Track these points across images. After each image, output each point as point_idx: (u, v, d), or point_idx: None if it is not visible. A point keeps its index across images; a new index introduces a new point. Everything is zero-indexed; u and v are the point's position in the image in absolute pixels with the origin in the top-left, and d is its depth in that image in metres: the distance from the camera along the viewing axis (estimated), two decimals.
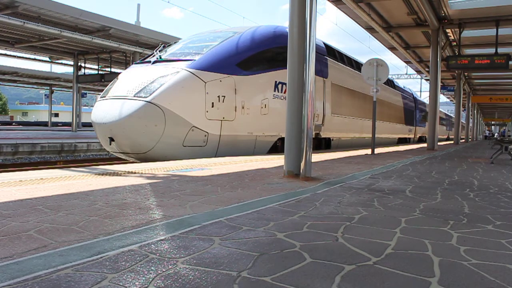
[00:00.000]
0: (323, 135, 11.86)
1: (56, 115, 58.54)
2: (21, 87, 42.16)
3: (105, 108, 7.59)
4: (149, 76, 7.62)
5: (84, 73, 23.87)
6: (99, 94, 12.76)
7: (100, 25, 16.57)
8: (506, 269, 1.75)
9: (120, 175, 4.49)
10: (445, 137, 38.46)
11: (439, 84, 13.96)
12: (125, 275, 1.53)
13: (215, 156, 8.07)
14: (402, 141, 22.41)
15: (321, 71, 11.47)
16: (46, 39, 18.25)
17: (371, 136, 10.36)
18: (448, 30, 14.28)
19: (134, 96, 7.32)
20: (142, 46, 19.27)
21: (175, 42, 10.17)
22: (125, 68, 13.31)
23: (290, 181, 4.33)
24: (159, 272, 1.58)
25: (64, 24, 16.15)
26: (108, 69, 22.24)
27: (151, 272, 1.57)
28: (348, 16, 13.04)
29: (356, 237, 2.17)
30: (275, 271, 1.62)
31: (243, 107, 8.41)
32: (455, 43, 15.58)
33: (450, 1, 11.54)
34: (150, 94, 7.22)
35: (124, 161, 8.46)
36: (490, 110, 49.38)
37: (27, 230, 2.12)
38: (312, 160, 4.75)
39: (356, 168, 6.09)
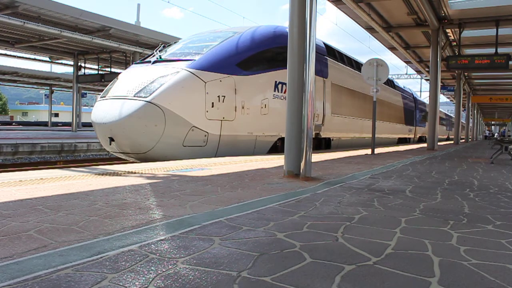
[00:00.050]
0: (323, 135, 11.86)
1: (56, 115, 58.55)
2: (21, 87, 42.17)
3: (105, 108, 7.59)
4: (149, 76, 7.62)
5: (84, 73, 23.87)
6: (99, 94, 12.76)
7: (100, 25, 16.57)
8: (506, 269, 1.75)
9: (120, 175, 4.49)
10: (445, 137, 38.46)
11: (439, 84, 13.96)
12: (125, 275, 1.53)
13: (215, 156, 8.07)
14: (402, 141, 22.42)
15: (321, 71, 11.47)
16: (46, 39, 18.26)
17: (371, 136, 10.36)
18: (448, 30, 14.28)
19: (134, 96, 7.32)
20: (142, 46, 19.27)
21: (175, 42, 10.17)
22: (125, 68, 13.31)
23: (290, 181, 4.33)
24: (159, 272, 1.58)
25: (64, 24, 16.15)
26: (108, 69, 22.25)
27: (151, 272, 1.57)
28: (348, 16, 13.04)
29: (356, 237, 2.17)
30: (275, 271, 1.62)
31: (243, 107, 8.41)
32: (455, 43, 15.58)
33: (450, 1, 11.54)
34: (150, 94, 7.22)
35: (124, 161, 8.46)
36: (490, 110, 49.39)
37: (27, 230, 2.12)
38: (312, 160, 4.75)
39: (356, 168, 6.09)
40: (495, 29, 12.38)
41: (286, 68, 4.80)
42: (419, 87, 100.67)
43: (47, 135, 17.41)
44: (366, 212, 2.85)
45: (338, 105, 12.73)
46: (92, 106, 21.53)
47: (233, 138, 8.42)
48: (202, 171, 5.01)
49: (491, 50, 13.25)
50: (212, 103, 7.79)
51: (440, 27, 13.17)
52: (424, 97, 32.68)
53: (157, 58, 8.46)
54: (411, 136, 24.09)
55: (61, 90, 45.05)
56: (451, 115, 42.15)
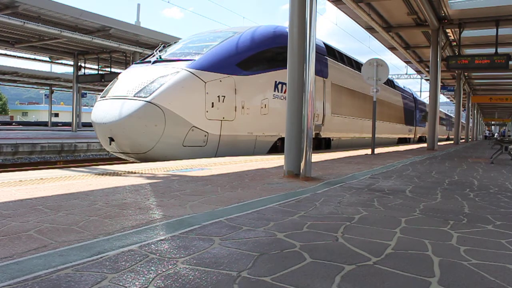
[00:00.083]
0: (323, 135, 11.86)
1: (56, 115, 58.55)
2: (21, 87, 42.17)
3: (105, 108, 7.59)
4: (149, 76, 7.62)
5: (84, 73, 23.87)
6: (99, 94, 12.76)
7: (100, 25, 16.57)
8: (506, 269, 1.75)
9: (120, 175, 4.49)
10: (445, 137, 38.46)
11: (439, 84, 13.96)
12: (125, 275, 1.53)
13: (215, 156, 8.07)
14: (402, 141, 22.42)
15: (321, 71, 11.47)
16: (46, 39, 18.26)
17: (371, 136, 10.36)
18: (448, 30, 14.28)
19: (134, 96, 7.33)
20: (142, 46, 19.27)
21: (175, 42, 10.17)
22: (125, 68, 13.31)
23: (290, 181, 4.33)
24: (159, 272, 1.58)
25: (64, 24, 16.15)
26: (108, 69, 22.25)
27: (151, 272, 1.57)
28: (348, 16, 13.04)
29: (356, 237, 2.17)
30: (275, 271, 1.62)
31: (243, 107, 8.41)
32: (455, 43, 15.58)
33: (450, 1, 11.54)
34: (150, 94, 7.22)
35: (124, 161, 8.46)
36: (490, 110, 49.39)
37: (27, 230, 2.12)
38: (312, 160, 4.75)
39: (356, 168, 6.09)
40: (495, 29, 12.38)
41: (286, 68, 4.80)
42: (419, 87, 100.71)
43: (47, 135, 17.41)
44: (366, 212, 2.85)
45: (338, 105, 12.73)
46: (92, 106, 21.54)
47: (233, 138, 8.42)
48: (202, 171, 5.01)
49: (491, 50, 13.25)
50: (212, 103, 7.79)
51: (440, 27, 13.17)
52: (424, 97, 32.69)
53: (157, 58, 8.46)
54: (411, 136, 24.10)
55: (61, 90, 45.06)
56: (451, 115, 42.16)
